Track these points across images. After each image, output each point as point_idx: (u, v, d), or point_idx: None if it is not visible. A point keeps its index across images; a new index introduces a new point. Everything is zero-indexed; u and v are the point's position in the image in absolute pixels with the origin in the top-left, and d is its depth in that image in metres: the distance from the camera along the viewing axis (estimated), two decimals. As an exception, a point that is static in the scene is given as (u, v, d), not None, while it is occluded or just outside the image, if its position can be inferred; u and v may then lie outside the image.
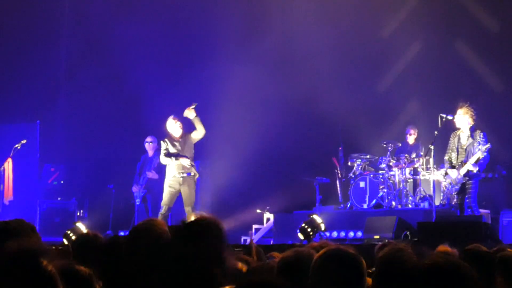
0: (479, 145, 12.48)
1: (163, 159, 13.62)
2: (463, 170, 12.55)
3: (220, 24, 18.34)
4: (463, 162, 12.57)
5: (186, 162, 13.44)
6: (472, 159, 12.45)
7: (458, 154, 12.67)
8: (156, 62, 18.23)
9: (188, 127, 13.73)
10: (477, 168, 12.52)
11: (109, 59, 18.06)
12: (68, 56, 19.13)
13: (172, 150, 13.54)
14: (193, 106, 13.41)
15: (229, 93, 17.37)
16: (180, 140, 13.61)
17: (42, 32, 18.53)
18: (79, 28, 18.70)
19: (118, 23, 18.25)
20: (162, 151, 13.61)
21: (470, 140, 12.58)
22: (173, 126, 13.63)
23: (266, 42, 17.89)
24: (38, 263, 2.81)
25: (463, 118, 12.58)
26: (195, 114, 13.43)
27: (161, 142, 13.76)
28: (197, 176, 13.79)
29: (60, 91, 19.12)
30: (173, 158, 13.46)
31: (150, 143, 15.45)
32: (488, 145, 12.47)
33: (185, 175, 13.46)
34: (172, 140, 13.61)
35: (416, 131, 15.74)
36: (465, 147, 12.61)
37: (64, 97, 19.14)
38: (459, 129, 12.72)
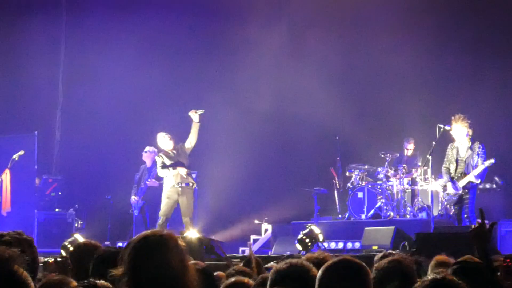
0: (478, 156, 12.49)
1: (160, 172, 13.71)
2: (463, 182, 12.54)
3: (216, 40, 18.39)
4: (464, 174, 12.56)
5: (183, 171, 13.50)
6: (476, 171, 12.45)
7: (457, 166, 12.66)
8: (153, 74, 18.23)
9: (180, 138, 13.80)
10: (479, 180, 12.56)
11: (106, 71, 18.07)
12: (66, 68, 19.14)
13: (168, 162, 13.59)
14: (200, 112, 13.49)
15: (227, 103, 17.37)
16: (173, 151, 13.67)
17: (40, 44, 18.54)
18: (77, 40, 18.72)
19: (115, 36, 18.30)
20: (159, 165, 13.69)
21: (469, 152, 12.57)
22: (163, 141, 13.76)
23: (264, 52, 17.92)
24: (11, 269, 2.83)
25: (461, 130, 12.56)
26: (198, 120, 13.49)
27: (156, 157, 13.91)
28: (194, 186, 13.85)
29: (57, 103, 19.13)
30: (170, 169, 13.51)
31: (148, 152, 15.46)
32: (492, 160, 12.47)
33: (183, 185, 13.51)
34: (166, 153, 13.69)
35: (413, 142, 15.73)
36: (464, 159, 12.61)
37: (62, 109, 19.14)
38: (456, 140, 12.72)
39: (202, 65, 18.41)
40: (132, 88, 18.16)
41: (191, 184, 13.62)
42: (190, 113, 13.55)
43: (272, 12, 18.49)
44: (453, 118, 12.58)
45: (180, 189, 13.51)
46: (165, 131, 13.81)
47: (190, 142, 13.65)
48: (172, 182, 13.55)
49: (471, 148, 12.59)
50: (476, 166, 12.51)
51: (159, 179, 14.61)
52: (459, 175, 12.63)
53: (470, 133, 12.57)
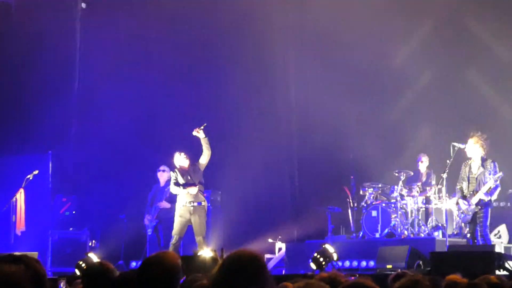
0: (490, 174, 12.49)
1: (173, 189, 13.81)
2: (475, 199, 12.52)
3: (230, 57, 18.43)
4: (475, 191, 12.54)
5: (193, 190, 13.53)
6: (484, 188, 12.43)
7: (469, 184, 12.66)
8: (167, 92, 18.28)
9: (195, 155, 13.86)
10: (489, 197, 12.50)
11: (120, 90, 18.13)
12: (80, 87, 19.21)
13: (181, 180, 13.68)
14: (202, 127, 13.59)
15: (240, 122, 17.38)
16: (189, 169, 13.75)
17: (54, 64, 18.61)
18: (91, 59, 18.79)
19: (128, 57, 18.37)
20: (172, 181, 13.81)
21: (481, 169, 12.57)
22: (180, 159, 13.89)
23: (279, 70, 17.95)
24: (18, 285, 2.84)
25: (473, 147, 12.58)
26: (204, 135, 13.58)
27: (171, 172, 13.96)
28: (206, 205, 13.88)
29: (71, 122, 19.18)
30: (181, 187, 13.57)
31: (163, 172, 15.51)
32: (500, 174, 12.46)
33: (195, 204, 13.53)
34: (181, 170, 13.77)
35: (428, 159, 15.69)
36: (476, 176, 12.60)
37: (76, 128, 19.19)
38: (470, 158, 12.72)
39: (215, 81, 18.43)
40: (146, 106, 18.20)
41: (203, 203, 13.65)
42: (194, 133, 13.65)
43: (290, 31, 18.51)
44: (470, 134, 12.60)
45: (192, 208, 13.53)
46: (181, 151, 13.90)
47: (204, 156, 13.73)
48: (184, 201, 13.59)
49: (483, 165, 12.59)
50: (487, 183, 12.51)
51: (171, 201, 14.64)
52: (471, 192, 12.61)
53: (482, 151, 12.55)
